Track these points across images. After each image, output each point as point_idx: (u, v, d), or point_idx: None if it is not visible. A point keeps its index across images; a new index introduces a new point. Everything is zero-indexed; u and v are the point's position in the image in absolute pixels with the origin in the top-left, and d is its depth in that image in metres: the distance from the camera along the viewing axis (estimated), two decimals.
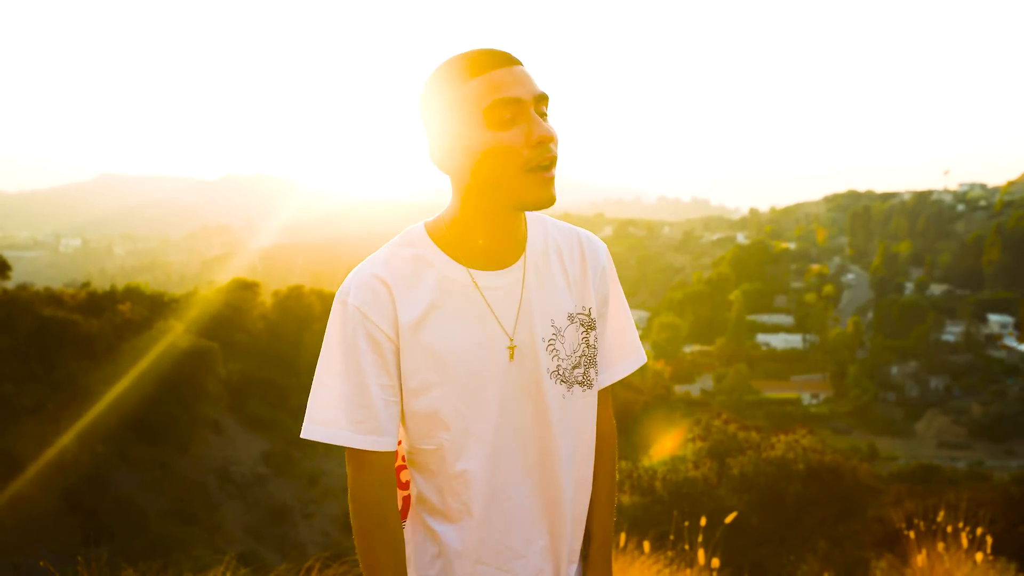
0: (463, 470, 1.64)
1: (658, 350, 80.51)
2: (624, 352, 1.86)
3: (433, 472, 1.67)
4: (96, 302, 34.85)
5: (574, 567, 1.79)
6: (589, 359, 1.74)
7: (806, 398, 77.12)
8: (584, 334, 1.73)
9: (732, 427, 7.63)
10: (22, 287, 34.74)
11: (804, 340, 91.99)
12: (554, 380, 1.68)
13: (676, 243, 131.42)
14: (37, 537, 23.55)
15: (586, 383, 1.74)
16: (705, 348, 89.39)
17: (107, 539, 24.61)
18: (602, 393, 1.85)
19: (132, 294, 36.62)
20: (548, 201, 1.56)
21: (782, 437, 7.20)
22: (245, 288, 39.25)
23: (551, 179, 1.57)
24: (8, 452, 25.13)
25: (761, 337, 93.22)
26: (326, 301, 41.35)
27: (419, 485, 1.70)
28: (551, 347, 1.67)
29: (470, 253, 1.64)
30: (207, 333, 33.91)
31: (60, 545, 23.86)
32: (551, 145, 1.55)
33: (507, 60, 1.57)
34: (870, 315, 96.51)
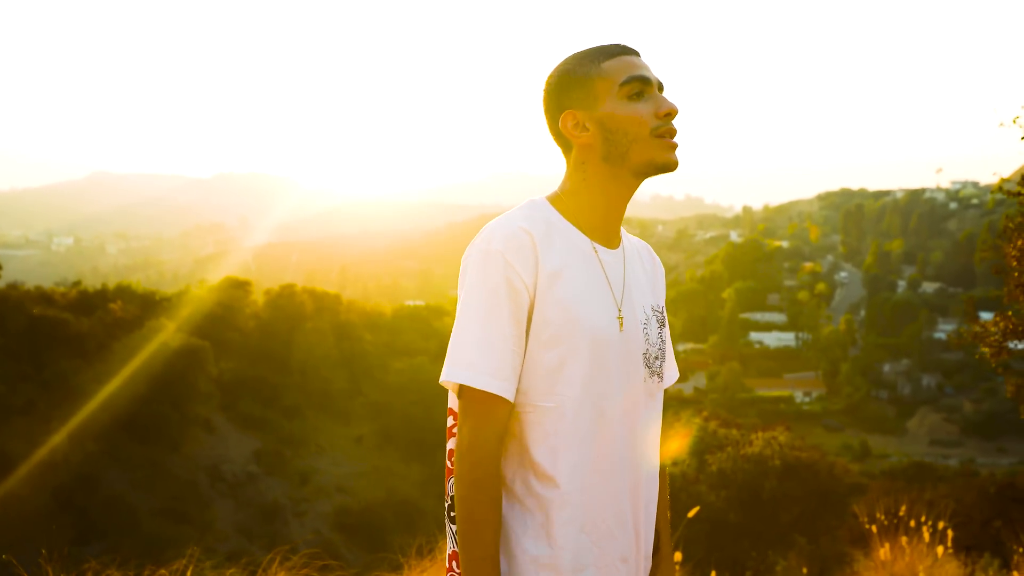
0: (578, 430, 1.68)
1: None
2: (670, 363, 1.97)
3: (547, 432, 1.68)
4: (87, 301, 34.76)
5: (649, 560, 1.83)
6: (663, 353, 1.85)
7: (799, 396, 77.26)
8: (660, 329, 1.85)
9: (713, 424, 7.68)
10: (12, 286, 34.68)
11: (797, 338, 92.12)
12: (642, 361, 1.78)
13: (669, 241, 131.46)
14: (27, 536, 23.51)
15: (660, 375, 1.83)
16: (698, 346, 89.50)
17: (98, 538, 24.60)
18: None
19: (123, 293, 36.55)
20: (673, 163, 1.77)
21: (760, 434, 7.26)
22: (237, 287, 39.18)
23: (676, 145, 1.77)
24: None
25: (754, 335, 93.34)
26: (318, 300, 41.31)
27: (529, 446, 1.70)
28: (645, 330, 1.80)
29: (589, 227, 1.78)
30: (198, 332, 33.84)
31: (51, 544, 23.85)
32: (674, 120, 1.78)
33: (635, 51, 1.82)
34: (863, 313, 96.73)
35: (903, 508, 4.90)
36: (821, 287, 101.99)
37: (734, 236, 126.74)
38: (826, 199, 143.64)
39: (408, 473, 32.52)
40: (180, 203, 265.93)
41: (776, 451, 6.73)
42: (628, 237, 1.92)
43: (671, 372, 1.98)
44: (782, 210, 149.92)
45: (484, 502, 1.65)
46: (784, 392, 76.78)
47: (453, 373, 1.68)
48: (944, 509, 5.16)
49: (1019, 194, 3.87)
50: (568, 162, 1.81)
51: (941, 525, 4.66)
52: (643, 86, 1.76)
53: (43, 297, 33.93)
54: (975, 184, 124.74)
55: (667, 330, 1.93)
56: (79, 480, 25.72)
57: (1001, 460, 58.10)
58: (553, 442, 1.68)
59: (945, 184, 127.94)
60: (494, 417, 1.67)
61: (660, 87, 1.80)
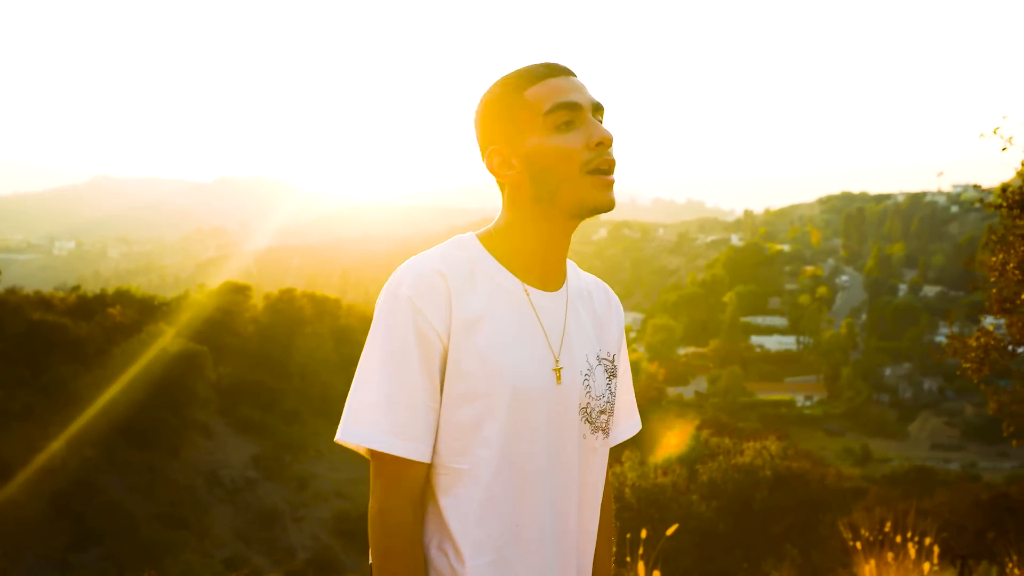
0: (495, 496, 1.51)
1: (652, 352, 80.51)
2: (626, 414, 1.80)
3: (459, 497, 1.51)
4: (86, 306, 34.75)
5: None
6: (611, 407, 1.66)
7: (800, 400, 77.18)
8: (608, 381, 1.66)
9: (705, 433, 7.62)
10: (11, 290, 34.60)
11: (798, 342, 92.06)
12: (582, 418, 1.59)
13: (671, 245, 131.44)
14: (25, 542, 23.47)
15: (606, 432, 1.65)
16: (699, 350, 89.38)
17: (95, 544, 24.55)
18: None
19: (122, 298, 36.52)
20: (608, 204, 1.55)
21: (751, 444, 7.19)
22: (236, 291, 39.18)
23: (611, 182, 1.56)
24: None
25: (755, 339, 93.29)
26: (317, 304, 41.29)
27: (443, 512, 1.53)
28: (586, 382, 1.61)
29: (522, 268, 1.60)
30: (197, 336, 33.82)
31: (48, 550, 23.79)
32: (610, 148, 1.56)
33: (565, 70, 1.60)
34: (864, 317, 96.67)
35: (888, 524, 4.83)
36: (822, 291, 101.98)
37: (735, 240, 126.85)
38: (827, 203, 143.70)
39: None
40: (181, 207, 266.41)
41: (767, 461, 6.67)
42: (579, 276, 1.73)
43: (625, 426, 1.80)
44: (783, 214, 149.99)
45: (399, 573, 1.49)
46: (785, 396, 76.69)
47: (351, 432, 1.50)
48: (932, 523, 5.10)
49: (1000, 207, 3.81)
50: (502, 197, 1.64)
51: (928, 541, 4.60)
52: (572, 114, 1.55)
53: (42, 302, 33.93)
54: (976, 187, 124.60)
55: (621, 380, 1.75)
56: (77, 486, 25.66)
57: (1003, 464, 57.98)
58: (465, 508, 1.51)
59: (946, 188, 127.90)
60: (406, 480, 1.50)
61: (596, 109, 1.59)
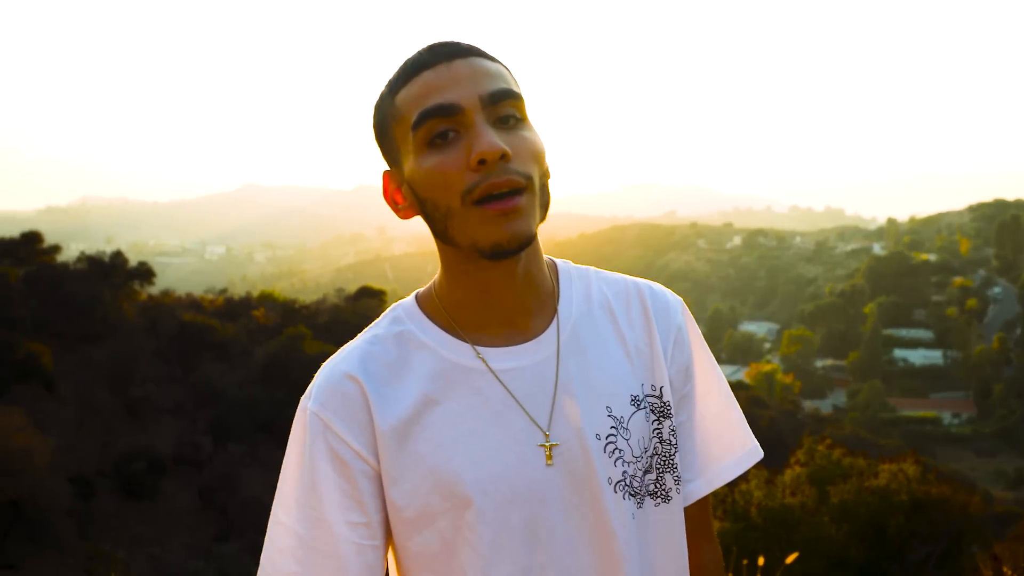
0: None
1: (788, 364, 78.49)
2: (725, 446, 1.32)
3: None
4: (232, 307, 36.57)
5: None
6: (664, 460, 1.24)
7: (947, 417, 73.56)
8: (656, 424, 1.23)
9: (836, 453, 7.34)
10: (166, 293, 36.77)
11: (945, 356, 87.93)
12: (620, 493, 1.18)
13: (808, 254, 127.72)
14: (174, 531, 24.84)
15: (661, 494, 1.23)
16: (838, 362, 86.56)
17: (237, 536, 25.75)
18: (698, 507, 1.31)
19: (265, 300, 38.22)
20: (507, 241, 1.11)
21: (887, 466, 6.89)
22: (371, 296, 40.41)
23: (510, 212, 1.10)
24: (149, 449, 26.62)
25: (898, 352, 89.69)
26: None
27: None
28: (611, 446, 1.19)
29: (473, 325, 1.21)
30: (335, 339, 34.99)
31: (195, 539, 25.10)
32: (506, 164, 1.10)
33: (445, 54, 1.14)
34: (1018, 331, 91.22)
35: None
36: (972, 303, 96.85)
37: (877, 249, 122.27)
38: (978, 210, 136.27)
39: None
40: (322, 214, 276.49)
41: (903, 485, 6.38)
42: (593, 286, 1.29)
43: (725, 464, 1.31)
44: (929, 222, 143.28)
45: None
46: (931, 413, 73.25)
47: None
48: None
49: None
50: None
51: None
52: (447, 121, 1.11)
53: (192, 303, 35.91)
54: None
55: (702, 402, 1.30)
56: (221, 479, 26.96)
57: None
58: None
59: None
60: None
61: (493, 101, 1.12)
